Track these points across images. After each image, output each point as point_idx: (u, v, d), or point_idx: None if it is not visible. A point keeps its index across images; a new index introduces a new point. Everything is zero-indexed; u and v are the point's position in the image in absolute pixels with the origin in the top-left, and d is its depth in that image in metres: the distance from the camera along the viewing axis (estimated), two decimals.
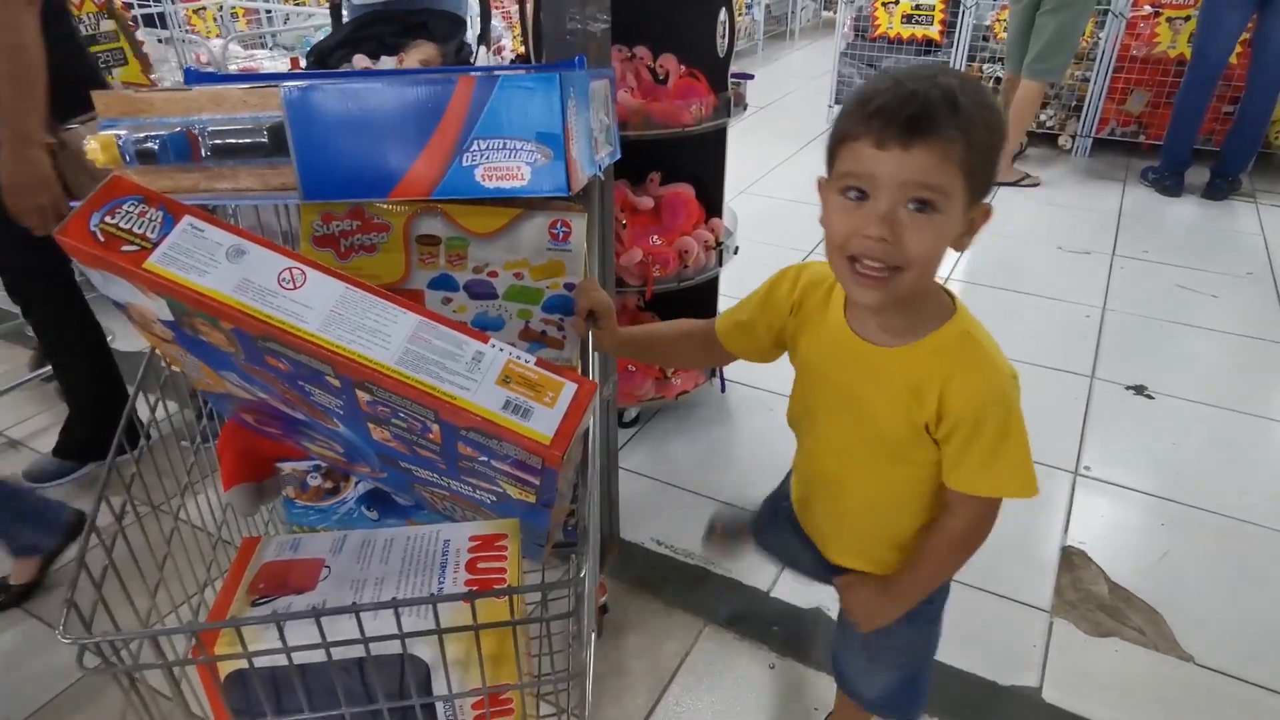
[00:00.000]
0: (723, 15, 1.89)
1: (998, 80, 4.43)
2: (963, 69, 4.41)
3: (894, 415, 0.80)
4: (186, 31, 3.96)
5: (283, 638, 0.52)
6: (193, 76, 0.98)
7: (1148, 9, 3.92)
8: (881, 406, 0.81)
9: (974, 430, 0.76)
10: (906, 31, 4.57)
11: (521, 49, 4.66)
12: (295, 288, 0.54)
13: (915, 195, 0.67)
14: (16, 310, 2.50)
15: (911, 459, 0.83)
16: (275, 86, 0.75)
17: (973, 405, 0.75)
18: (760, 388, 2.29)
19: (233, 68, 3.63)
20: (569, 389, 0.53)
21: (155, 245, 0.55)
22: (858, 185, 0.69)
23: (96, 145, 0.78)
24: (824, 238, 0.76)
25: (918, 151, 0.65)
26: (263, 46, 4.70)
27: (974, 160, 0.68)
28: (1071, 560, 1.69)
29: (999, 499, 0.82)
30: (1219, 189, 3.65)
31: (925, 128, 0.65)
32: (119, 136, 0.78)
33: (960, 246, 0.73)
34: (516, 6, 4.95)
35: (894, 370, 0.79)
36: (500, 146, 0.69)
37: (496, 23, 5.12)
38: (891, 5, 4.55)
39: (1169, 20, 3.88)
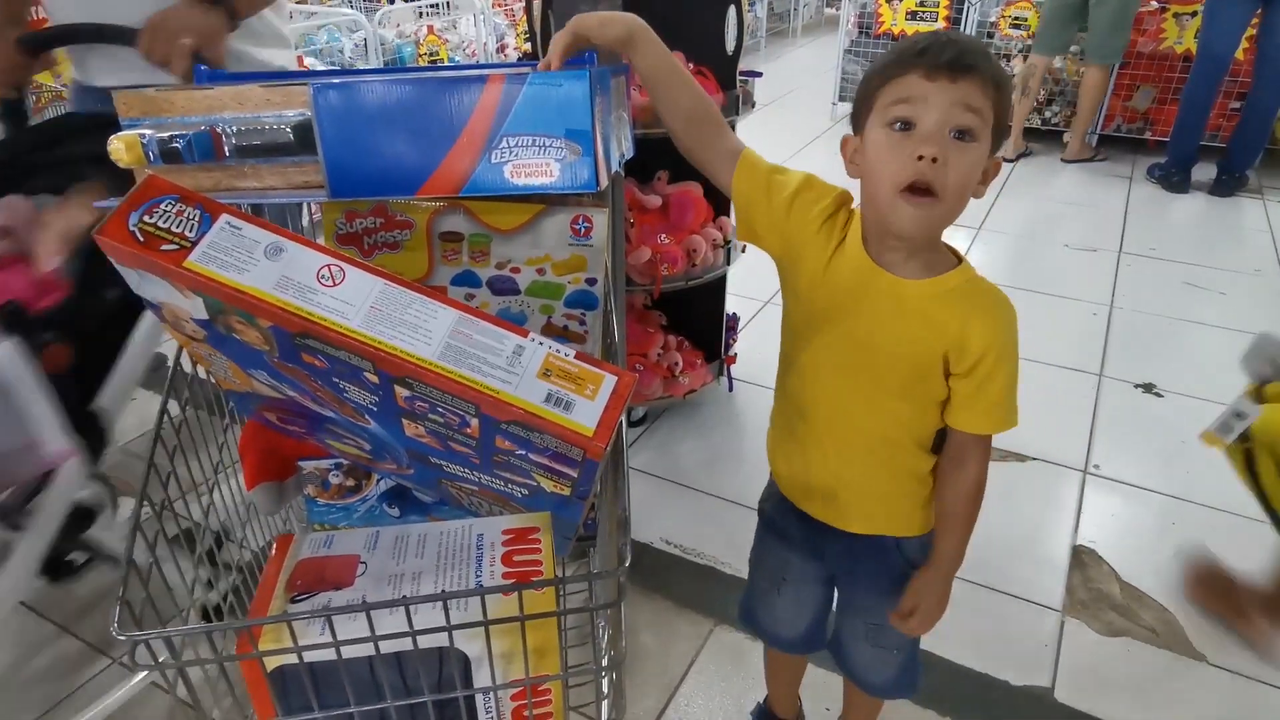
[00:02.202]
0: (731, 13, 1.89)
1: None
2: None
3: (910, 343, 0.83)
4: None
5: (333, 632, 0.52)
6: (204, 76, 0.98)
7: (1154, 5, 3.92)
8: (899, 334, 0.84)
9: (996, 364, 0.82)
10: (910, 28, 4.57)
11: (526, 48, 4.65)
12: (335, 284, 0.54)
13: (959, 122, 0.75)
14: None
15: (915, 396, 0.86)
16: (299, 84, 0.76)
17: (997, 340, 0.82)
18: (769, 386, 2.28)
19: None
20: (609, 381, 0.54)
21: (194, 244, 0.55)
22: (906, 116, 0.77)
23: (121, 145, 0.78)
24: (864, 180, 0.82)
25: (963, 83, 0.74)
26: None
27: (1000, 105, 0.77)
28: (1082, 559, 1.69)
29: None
30: (1226, 185, 3.65)
31: (969, 66, 0.74)
32: (143, 136, 0.78)
33: (977, 194, 0.80)
34: (522, 4, 4.95)
35: (913, 299, 0.83)
36: (529, 143, 0.69)
37: (499, 20, 5.11)
38: (895, 1, 4.56)
39: (1175, 16, 3.88)
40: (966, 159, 0.76)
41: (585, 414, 0.53)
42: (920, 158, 0.75)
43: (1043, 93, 4.31)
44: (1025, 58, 4.32)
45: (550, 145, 0.69)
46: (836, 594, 1.09)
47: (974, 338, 0.81)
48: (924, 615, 0.94)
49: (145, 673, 1.15)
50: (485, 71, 0.71)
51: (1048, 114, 4.29)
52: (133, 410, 2.40)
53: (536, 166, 0.70)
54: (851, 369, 0.87)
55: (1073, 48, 4.06)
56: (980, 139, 0.76)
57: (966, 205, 0.80)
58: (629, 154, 0.93)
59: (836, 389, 0.90)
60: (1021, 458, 1.96)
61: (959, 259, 0.86)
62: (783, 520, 1.03)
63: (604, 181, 0.73)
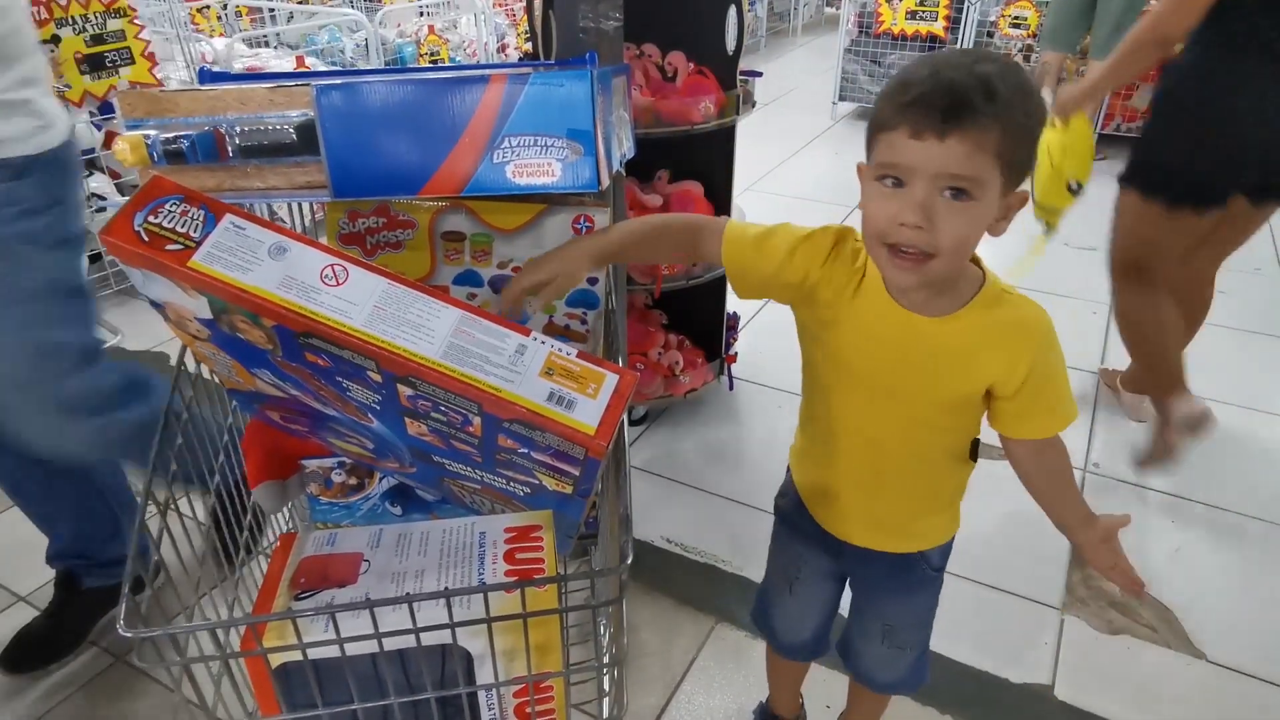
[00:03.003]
0: (732, 12, 1.89)
1: None
2: None
3: (944, 383, 0.81)
4: (191, 30, 3.97)
5: (336, 629, 0.53)
6: (207, 76, 0.99)
7: (1155, 3, 3.92)
8: (931, 375, 0.81)
9: (1045, 374, 0.80)
10: (910, 28, 4.57)
11: (527, 48, 4.65)
12: (338, 284, 0.55)
13: (950, 185, 0.69)
14: None
15: (949, 426, 0.85)
16: (302, 85, 0.76)
17: (1040, 354, 0.80)
18: (769, 385, 2.29)
19: (237, 66, 3.64)
20: (610, 380, 0.54)
21: (199, 244, 0.55)
22: (894, 174, 0.71)
23: (126, 145, 0.78)
24: (861, 222, 0.78)
25: (952, 141, 0.67)
26: (266, 45, 4.71)
27: (1011, 147, 0.69)
28: (1082, 557, 1.69)
29: None
30: None
31: (960, 119, 0.66)
32: (147, 137, 0.78)
33: (995, 232, 0.75)
34: (523, 4, 4.95)
35: (944, 336, 0.80)
36: (531, 143, 0.70)
37: (499, 20, 5.10)
38: (895, 1, 4.55)
39: None
40: (961, 219, 0.70)
41: (587, 412, 0.53)
42: (904, 224, 0.70)
43: None
44: (1025, 57, 4.33)
45: (552, 145, 0.70)
46: (850, 596, 1.07)
47: (1018, 363, 0.79)
48: (1118, 560, 0.88)
49: None
50: (487, 71, 0.72)
51: None
52: None
53: (538, 166, 0.70)
54: (886, 409, 0.85)
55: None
56: (980, 196, 0.69)
57: (973, 251, 0.75)
58: (630, 153, 0.93)
59: (871, 426, 0.87)
60: None
61: (982, 272, 0.82)
62: (799, 516, 1.02)
63: (605, 181, 0.73)
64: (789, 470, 1.06)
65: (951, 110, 0.66)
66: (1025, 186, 0.73)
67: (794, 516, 1.04)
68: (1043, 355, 0.80)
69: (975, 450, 0.90)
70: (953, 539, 0.99)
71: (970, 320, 0.79)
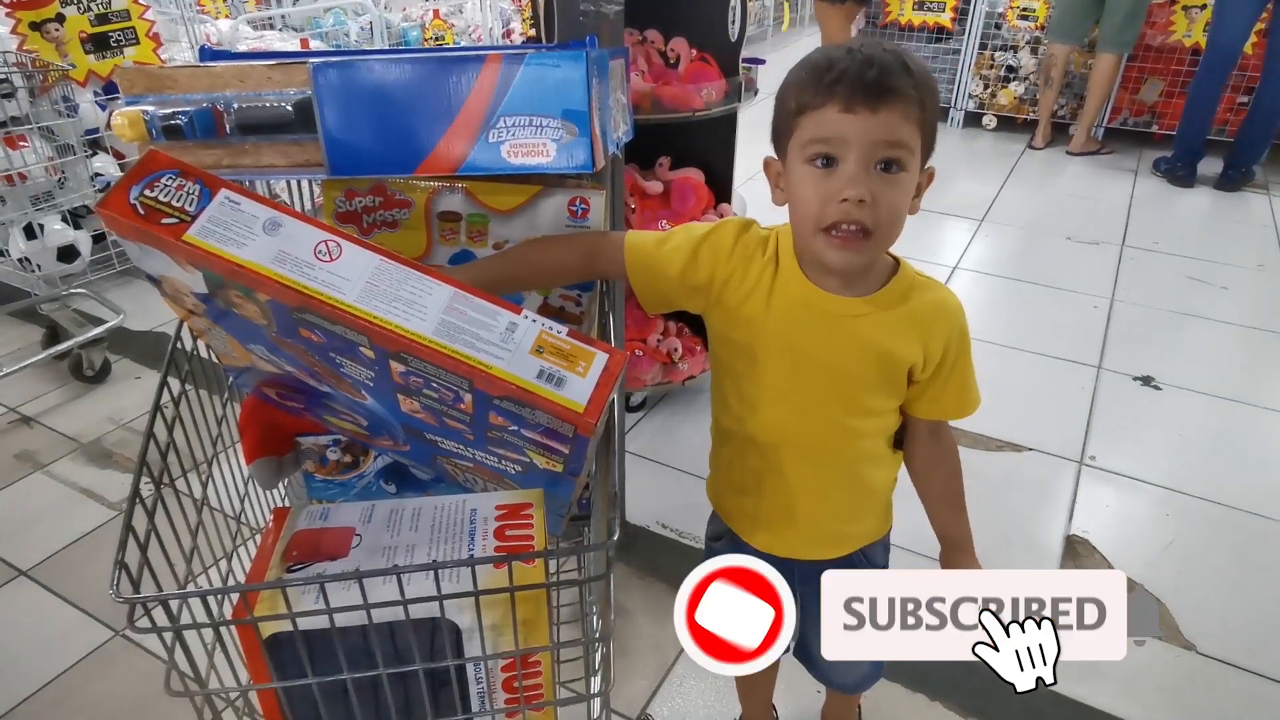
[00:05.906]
0: (736, 0, 1.89)
1: (1009, 69, 4.40)
2: (974, 57, 4.39)
3: (870, 363, 0.82)
4: (196, 12, 3.96)
5: (326, 599, 0.53)
6: (208, 55, 0.99)
7: None
8: (856, 357, 0.81)
9: (957, 356, 0.83)
10: (918, 19, 4.55)
11: (531, 32, 4.63)
12: (331, 260, 0.55)
13: (884, 155, 0.70)
14: (28, 289, 2.53)
15: (878, 409, 0.86)
16: (299, 63, 0.76)
17: (953, 337, 0.82)
18: None
19: (242, 48, 3.62)
20: (600, 358, 0.55)
21: (194, 218, 0.56)
22: (826, 151, 0.72)
23: (124, 120, 0.79)
24: (790, 212, 0.79)
25: (884, 113, 0.69)
26: (271, 27, 4.70)
27: (927, 121, 0.72)
28: (1075, 549, 1.70)
29: None
30: (1232, 180, 3.64)
31: (890, 89, 0.69)
32: (145, 112, 0.79)
33: (912, 210, 0.76)
34: None
35: (867, 316, 0.80)
36: (526, 123, 0.70)
37: (505, 4, 5.08)
38: None
39: (1184, 9, 3.85)
40: (896, 191, 0.71)
41: (577, 390, 0.53)
42: (845, 199, 0.70)
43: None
44: (1033, 50, 4.30)
45: (547, 125, 0.70)
46: (801, 607, 1.06)
47: (934, 344, 0.81)
48: None
49: None
50: (483, 52, 0.72)
51: (1054, 106, 4.27)
52: (137, 388, 2.42)
53: (533, 146, 0.70)
54: (817, 398, 0.84)
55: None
56: (909, 167, 0.72)
57: (902, 228, 0.76)
58: (628, 136, 0.93)
59: (803, 431, 0.86)
60: (1018, 448, 1.97)
61: (895, 260, 0.83)
62: (739, 552, 0.97)
63: (600, 162, 0.73)
64: (714, 512, 1.03)
65: (880, 83, 0.69)
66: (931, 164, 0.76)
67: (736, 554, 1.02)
68: (959, 334, 0.83)
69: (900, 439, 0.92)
70: (889, 533, 0.99)
71: (891, 301, 0.81)
